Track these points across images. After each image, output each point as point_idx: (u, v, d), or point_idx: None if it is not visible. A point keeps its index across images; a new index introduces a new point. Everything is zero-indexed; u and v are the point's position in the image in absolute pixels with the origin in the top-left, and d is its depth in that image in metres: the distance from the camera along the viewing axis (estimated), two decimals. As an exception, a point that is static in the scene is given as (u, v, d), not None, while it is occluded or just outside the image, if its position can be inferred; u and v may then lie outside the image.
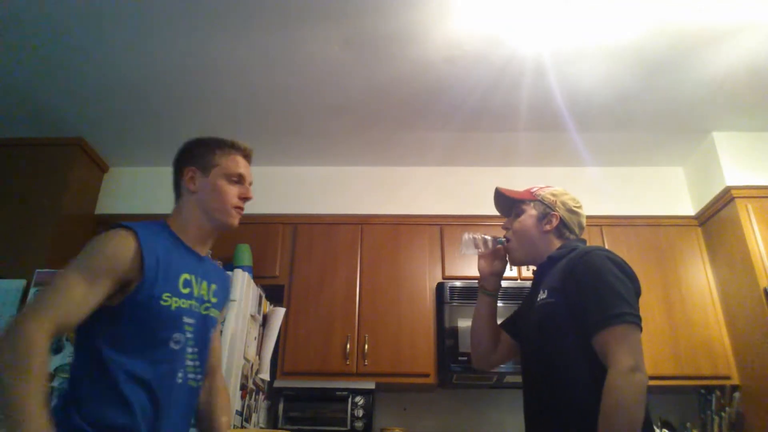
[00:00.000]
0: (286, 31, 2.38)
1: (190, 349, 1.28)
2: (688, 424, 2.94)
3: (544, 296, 1.36)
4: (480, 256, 1.62)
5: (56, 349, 2.31)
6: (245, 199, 1.41)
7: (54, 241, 2.90)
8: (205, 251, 1.42)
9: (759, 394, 2.66)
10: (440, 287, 3.01)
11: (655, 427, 2.83)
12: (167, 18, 2.31)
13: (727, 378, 2.80)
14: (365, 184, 3.41)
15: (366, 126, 3.07)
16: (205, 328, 1.34)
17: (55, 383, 2.24)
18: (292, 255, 3.16)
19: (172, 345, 1.23)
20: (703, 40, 2.40)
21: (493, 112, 2.91)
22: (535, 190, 1.56)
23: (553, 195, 1.53)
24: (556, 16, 2.28)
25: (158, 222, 1.36)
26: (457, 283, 2.97)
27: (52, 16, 2.29)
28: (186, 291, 1.28)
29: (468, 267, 3.08)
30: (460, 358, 2.75)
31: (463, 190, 3.35)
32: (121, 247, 1.19)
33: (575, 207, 1.53)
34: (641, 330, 1.22)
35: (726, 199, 2.94)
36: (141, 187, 3.42)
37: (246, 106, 2.90)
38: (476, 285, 3.02)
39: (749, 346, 2.74)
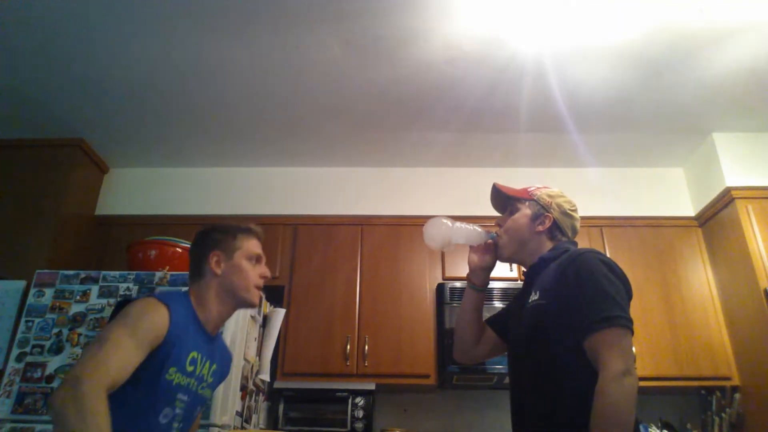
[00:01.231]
0: (287, 32, 2.38)
1: (176, 425, 1.34)
2: (689, 425, 2.94)
3: (536, 297, 1.35)
4: (471, 250, 1.60)
5: (56, 350, 2.30)
6: (265, 277, 1.52)
7: (54, 242, 2.90)
8: (216, 331, 1.49)
9: (759, 395, 2.66)
10: (440, 288, 3.01)
11: (656, 428, 2.83)
12: (167, 20, 2.31)
13: (728, 379, 2.80)
14: (365, 184, 3.41)
15: (366, 127, 3.07)
16: (194, 406, 1.41)
17: (55, 384, 2.24)
18: (292, 256, 3.16)
19: (161, 419, 1.29)
20: (703, 41, 2.40)
21: (493, 113, 2.91)
22: (531, 189, 1.56)
23: (549, 196, 1.53)
24: (556, 18, 2.28)
25: (183, 295, 1.43)
26: (457, 284, 2.97)
27: (52, 17, 2.29)
28: (190, 369, 1.34)
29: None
30: (460, 359, 2.75)
31: (464, 190, 3.35)
32: (160, 320, 1.27)
33: (570, 210, 1.52)
34: (633, 333, 1.22)
35: (726, 199, 2.94)
36: (141, 187, 3.42)
37: (246, 106, 2.90)
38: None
39: (750, 347, 2.74)
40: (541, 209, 1.50)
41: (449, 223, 1.59)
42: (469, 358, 1.65)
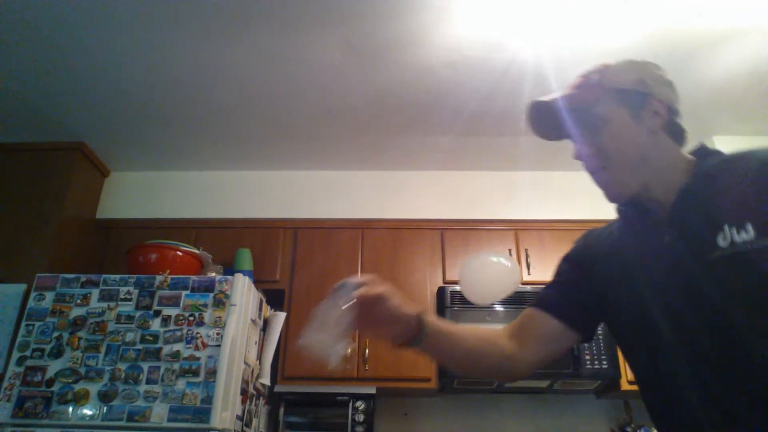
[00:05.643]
0: (287, 36, 2.38)
1: None
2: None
3: (748, 237, 0.79)
4: (363, 325, 0.94)
5: (57, 354, 2.30)
6: None
7: (55, 246, 2.90)
8: None
9: None
10: (441, 291, 3.00)
11: None
12: (168, 23, 2.31)
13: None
14: (366, 188, 3.41)
15: (367, 130, 3.07)
16: None
17: (56, 388, 2.23)
18: (292, 259, 3.16)
19: None
20: (703, 44, 2.40)
21: (493, 116, 2.91)
22: (594, 76, 1.04)
23: (631, 68, 1.02)
24: (556, 21, 2.29)
25: None
26: (458, 288, 2.96)
27: (53, 20, 2.29)
28: None
29: (469, 271, 3.08)
30: (461, 363, 2.74)
31: (464, 194, 3.35)
32: None
33: (667, 76, 1.00)
34: None
35: (727, 203, 2.93)
36: (142, 191, 3.42)
37: (247, 110, 2.90)
38: (477, 289, 2.96)
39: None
40: (638, 95, 0.96)
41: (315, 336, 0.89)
42: (523, 372, 1.08)
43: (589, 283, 1.05)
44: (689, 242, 0.87)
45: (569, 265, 1.12)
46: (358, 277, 0.93)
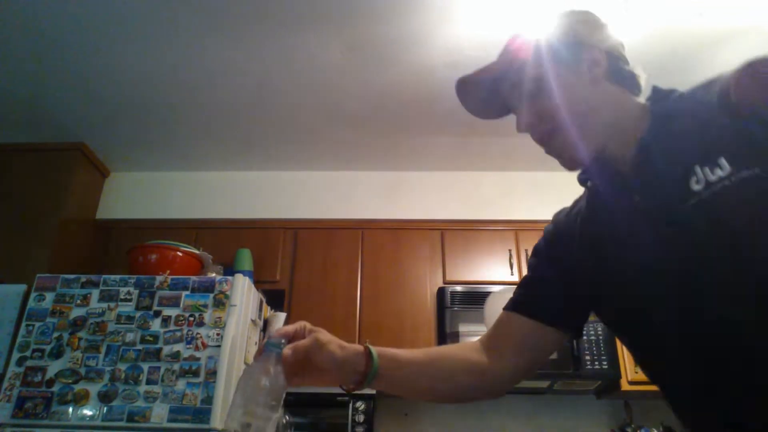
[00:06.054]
0: (288, 36, 2.38)
1: None
2: (691, 430, 2.92)
3: (725, 173, 0.68)
4: (303, 380, 0.84)
5: (57, 354, 2.30)
6: None
7: (55, 246, 2.90)
8: None
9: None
10: (441, 292, 3.00)
11: (657, 433, 2.78)
12: (168, 23, 2.31)
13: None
14: (366, 188, 3.41)
15: (367, 131, 3.07)
16: None
17: (56, 388, 2.23)
18: (292, 260, 3.16)
19: None
20: (703, 44, 2.40)
21: (493, 116, 2.91)
22: (519, 38, 0.98)
23: (559, 21, 0.94)
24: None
25: None
26: (458, 288, 2.97)
27: (53, 21, 2.29)
28: None
29: (469, 271, 3.07)
30: (461, 363, 2.74)
31: (464, 194, 3.35)
32: None
33: (602, 21, 0.93)
34: None
35: (727, 203, 2.93)
36: (142, 191, 3.42)
37: (247, 110, 2.90)
38: (479, 290, 3.03)
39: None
40: (570, 47, 0.89)
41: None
42: (503, 386, 0.97)
43: (566, 270, 0.92)
44: (660, 195, 0.75)
45: (539, 258, 1.00)
46: (284, 329, 0.82)
